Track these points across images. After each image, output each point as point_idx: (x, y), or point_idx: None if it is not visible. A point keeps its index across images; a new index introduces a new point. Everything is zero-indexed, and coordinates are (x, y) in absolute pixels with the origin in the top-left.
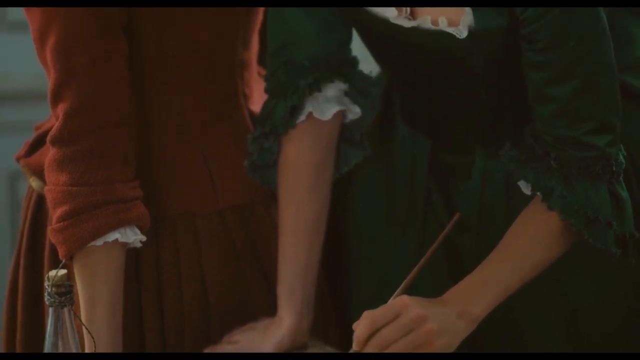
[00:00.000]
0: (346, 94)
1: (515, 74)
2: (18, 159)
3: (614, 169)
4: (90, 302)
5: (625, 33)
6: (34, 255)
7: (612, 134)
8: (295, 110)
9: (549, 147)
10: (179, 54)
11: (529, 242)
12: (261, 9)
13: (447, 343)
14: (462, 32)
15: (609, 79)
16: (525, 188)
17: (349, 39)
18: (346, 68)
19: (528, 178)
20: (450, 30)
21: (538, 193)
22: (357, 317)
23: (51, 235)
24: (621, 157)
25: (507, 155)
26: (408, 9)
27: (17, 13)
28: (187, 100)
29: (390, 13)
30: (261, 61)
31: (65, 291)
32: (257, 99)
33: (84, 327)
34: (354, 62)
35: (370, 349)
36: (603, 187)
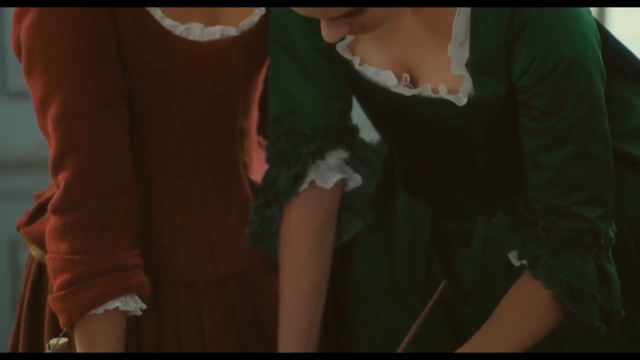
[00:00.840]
0: (347, 162)
1: (513, 142)
2: (19, 228)
3: (603, 242)
4: None
5: (623, 101)
6: (35, 323)
7: (604, 207)
8: (298, 178)
9: (539, 216)
10: (178, 123)
11: (522, 311)
12: (261, 78)
13: None
14: (461, 100)
15: (602, 150)
16: (514, 259)
17: (349, 108)
18: (347, 136)
19: (516, 245)
20: (450, 97)
21: (524, 261)
22: None
23: (52, 303)
24: (611, 232)
25: (498, 223)
26: (408, 77)
27: (18, 82)
28: (187, 169)
29: (390, 82)
30: (261, 130)
31: None
32: (257, 168)
33: None
34: (355, 130)
35: None
36: (590, 260)
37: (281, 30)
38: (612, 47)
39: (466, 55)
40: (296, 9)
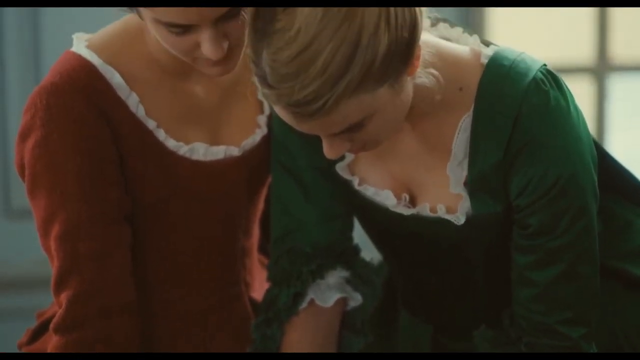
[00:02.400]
0: (348, 281)
1: (510, 261)
2: (20, 347)
3: None
4: None
5: (625, 222)
6: None
7: (587, 327)
8: (298, 297)
9: (523, 332)
10: (179, 241)
11: None
12: (262, 197)
13: None
14: (460, 219)
15: (590, 271)
16: None
17: (350, 227)
18: (348, 256)
19: None
20: (448, 217)
21: None
22: None
23: None
24: (592, 352)
25: (480, 336)
26: (407, 197)
27: (21, 200)
28: (188, 287)
29: (389, 202)
30: (262, 249)
31: None
32: (259, 287)
33: None
34: (356, 250)
35: None
36: None
37: (283, 150)
38: (613, 168)
39: (465, 174)
40: (297, 126)
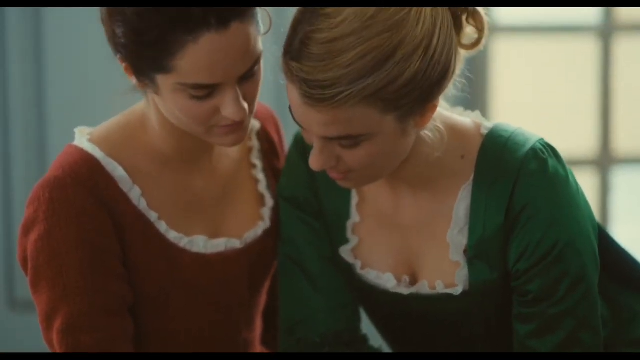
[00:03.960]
0: None
1: (511, 335)
2: None
3: None
4: None
5: (631, 312)
6: None
7: None
8: None
9: None
10: (180, 332)
11: None
12: (265, 290)
13: None
14: (457, 290)
15: (592, 339)
16: None
17: (358, 316)
18: (356, 344)
19: None
20: (447, 291)
21: None
22: None
23: None
24: None
25: None
26: (407, 278)
27: (25, 292)
28: None
29: (390, 284)
30: (265, 341)
31: None
32: None
33: None
34: (364, 338)
35: None
36: None
37: (289, 244)
38: (618, 257)
39: (465, 242)
40: (301, 114)
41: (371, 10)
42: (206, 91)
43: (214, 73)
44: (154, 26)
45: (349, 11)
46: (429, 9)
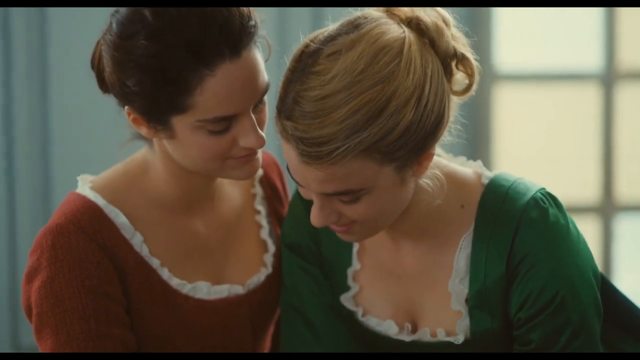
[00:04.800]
0: None
1: None
2: None
3: None
4: None
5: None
6: None
7: None
8: None
9: None
10: None
11: None
12: (269, 335)
13: None
14: (459, 339)
15: None
16: None
17: None
18: None
19: None
20: (448, 339)
21: None
22: None
23: None
24: None
25: None
26: (409, 326)
27: (29, 339)
28: None
29: (391, 331)
30: None
31: None
32: None
33: None
34: None
35: None
36: None
37: (291, 292)
38: (622, 305)
39: (466, 291)
40: (298, 172)
41: (361, 64)
42: (225, 124)
43: (233, 103)
44: (173, 64)
45: (339, 67)
46: (418, 59)
